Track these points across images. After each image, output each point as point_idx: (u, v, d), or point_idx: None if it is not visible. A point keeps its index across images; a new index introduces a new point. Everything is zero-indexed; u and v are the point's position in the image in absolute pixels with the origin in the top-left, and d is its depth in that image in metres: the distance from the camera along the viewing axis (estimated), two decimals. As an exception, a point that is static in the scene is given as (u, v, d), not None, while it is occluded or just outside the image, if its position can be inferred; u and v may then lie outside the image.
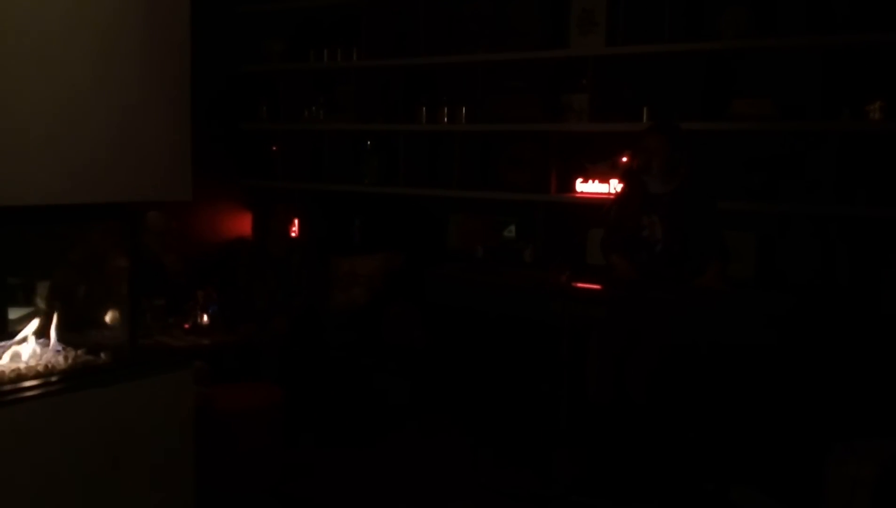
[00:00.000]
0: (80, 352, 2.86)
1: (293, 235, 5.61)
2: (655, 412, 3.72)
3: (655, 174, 3.92)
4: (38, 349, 2.82)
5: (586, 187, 4.91)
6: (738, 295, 3.92)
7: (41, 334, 2.88)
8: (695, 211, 3.87)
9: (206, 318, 4.44)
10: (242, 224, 6.14)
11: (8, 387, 2.55)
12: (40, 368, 2.71)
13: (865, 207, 4.13)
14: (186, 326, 4.37)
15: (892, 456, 3.15)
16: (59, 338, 2.89)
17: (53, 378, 2.68)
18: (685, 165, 3.98)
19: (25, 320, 2.91)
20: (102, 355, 2.87)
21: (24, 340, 2.82)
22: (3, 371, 2.62)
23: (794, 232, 4.44)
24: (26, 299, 3.02)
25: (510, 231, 5.35)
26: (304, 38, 5.94)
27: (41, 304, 3.01)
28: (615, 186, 4.72)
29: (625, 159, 4.74)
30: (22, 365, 2.69)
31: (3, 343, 2.79)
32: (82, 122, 2.59)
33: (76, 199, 2.61)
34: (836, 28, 4.15)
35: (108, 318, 2.99)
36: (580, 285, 3.88)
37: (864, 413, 3.71)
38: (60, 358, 2.79)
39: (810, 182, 4.31)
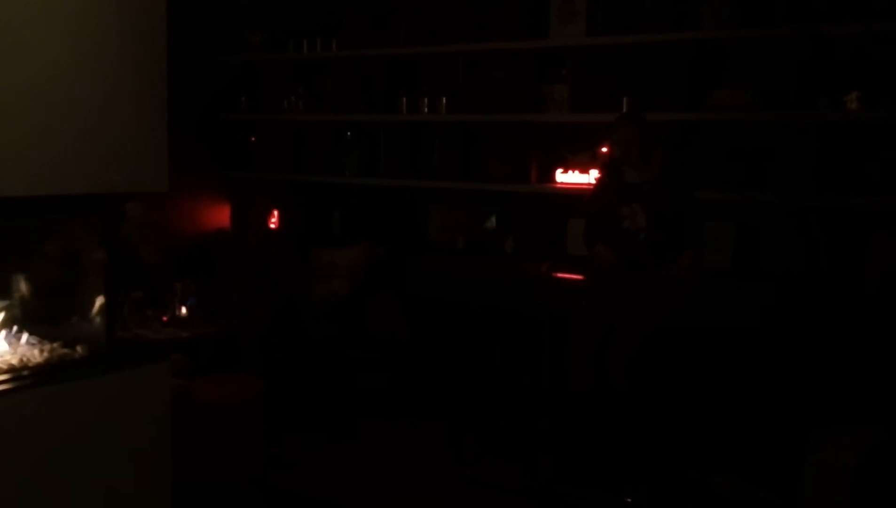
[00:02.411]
0: (56, 345, 2.82)
1: (272, 226, 5.58)
2: (636, 401, 3.74)
3: (634, 163, 3.93)
4: (13, 343, 2.78)
5: (566, 178, 4.91)
6: (717, 284, 3.93)
7: (16, 327, 2.84)
8: (677, 200, 3.89)
9: (184, 310, 4.40)
10: (221, 215, 6.10)
11: (-18, 381, 2.52)
12: (15, 361, 2.67)
13: (844, 196, 4.15)
14: (165, 318, 4.33)
15: (870, 444, 3.17)
16: (35, 331, 2.85)
17: (28, 372, 2.64)
18: (658, 152, 4.00)
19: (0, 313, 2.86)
20: (79, 348, 2.83)
21: (-1, 333, 2.79)
22: (-23, 365, 2.58)
23: (774, 222, 4.46)
24: (1, 292, 2.97)
25: (491, 222, 5.35)
26: (283, 28, 5.89)
27: (17, 297, 2.96)
28: (596, 176, 4.72)
29: (605, 150, 4.74)
30: (-4, 359, 2.66)
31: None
32: (54, 112, 2.55)
33: (49, 190, 2.56)
34: (815, 19, 4.16)
35: (84, 311, 2.95)
36: (561, 275, 3.88)
37: (843, 401, 3.74)
38: (36, 352, 2.76)
39: (790, 172, 4.34)
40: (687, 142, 4.62)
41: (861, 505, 3.08)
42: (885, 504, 3.08)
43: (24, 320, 2.87)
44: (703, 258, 3.93)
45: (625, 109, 4.55)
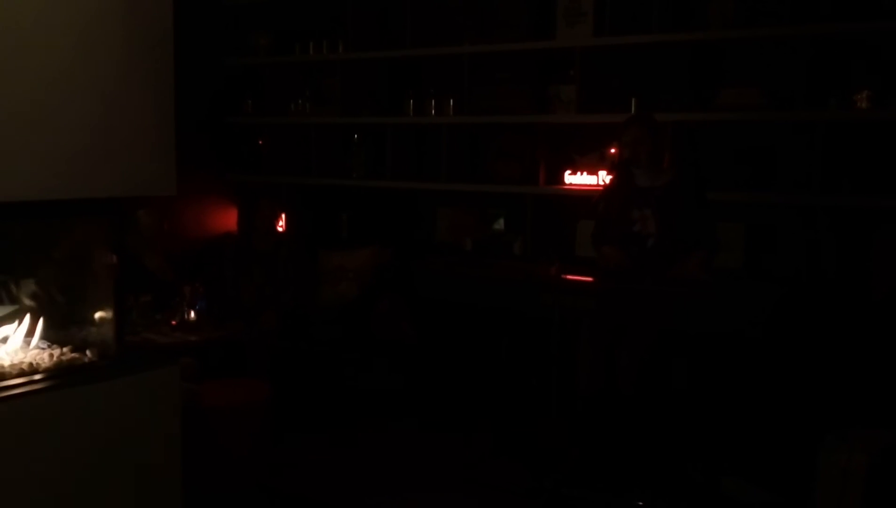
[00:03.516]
0: (65, 350, 2.83)
1: (280, 229, 5.58)
2: (645, 403, 3.72)
3: (644, 165, 3.91)
4: (22, 347, 2.79)
5: (575, 179, 4.90)
6: (727, 285, 3.91)
7: (26, 332, 2.84)
8: (689, 205, 3.86)
9: (192, 314, 4.40)
10: (228, 219, 6.10)
11: (-8, 386, 2.52)
12: (25, 366, 2.67)
13: (853, 196, 4.13)
14: (173, 322, 4.33)
15: (883, 446, 3.16)
16: (44, 336, 2.85)
17: (38, 376, 2.64)
18: (668, 154, 3.99)
19: (9, 318, 2.86)
20: (88, 352, 2.83)
21: (8, 338, 2.78)
22: (-14, 370, 2.59)
23: (783, 222, 4.44)
24: (10, 297, 2.97)
25: (499, 224, 5.34)
26: (289, 31, 5.90)
27: (25, 302, 2.96)
28: (605, 177, 4.71)
29: (614, 151, 4.73)
30: (6, 363, 2.66)
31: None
32: (61, 116, 2.54)
33: (57, 195, 2.56)
34: (823, 17, 4.15)
35: (93, 315, 2.95)
36: (570, 277, 3.87)
37: (855, 403, 3.71)
38: (45, 356, 2.76)
39: (798, 172, 4.32)
40: (695, 142, 4.60)
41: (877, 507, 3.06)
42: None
43: (33, 324, 2.86)
44: (716, 260, 3.90)
45: (633, 110, 4.53)
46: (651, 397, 3.72)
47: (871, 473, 3.09)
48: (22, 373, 2.63)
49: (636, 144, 3.90)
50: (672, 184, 3.90)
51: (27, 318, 2.85)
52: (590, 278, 3.87)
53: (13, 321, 2.84)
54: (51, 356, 2.77)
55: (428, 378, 4.91)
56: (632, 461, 3.73)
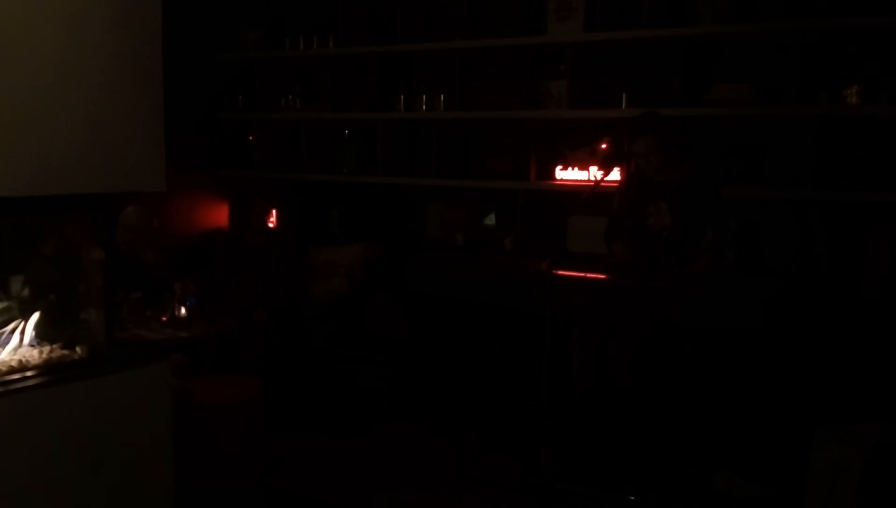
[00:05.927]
0: (55, 346, 2.82)
1: (271, 226, 5.56)
2: (638, 399, 3.73)
3: (657, 168, 3.88)
4: (12, 344, 2.77)
5: (566, 174, 4.91)
6: (720, 280, 3.92)
7: (15, 328, 2.82)
8: (704, 199, 3.84)
9: (183, 310, 4.38)
10: (219, 215, 6.08)
11: (-19, 383, 2.50)
12: (14, 363, 2.66)
13: (844, 191, 4.15)
14: (164, 318, 4.31)
15: (874, 441, 3.16)
16: (34, 332, 2.84)
17: (28, 373, 2.63)
18: (679, 149, 3.97)
19: (-1, 315, 2.85)
20: (78, 349, 2.82)
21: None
22: (-25, 367, 2.57)
23: (774, 217, 4.45)
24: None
25: (490, 219, 5.33)
26: (280, 26, 5.88)
27: (14, 298, 2.94)
28: (595, 172, 4.71)
29: (604, 146, 4.74)
30: (-5, 361, 2.64)
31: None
32: (50, 112, 2.53)
33: (45, 190, 2.55)
34: (814, 12, 4.15)
35: (83, 311, 2.93)
36: (561, 272, 3.86)
37: (846, 398, 3.73)
38: (35, 353, 2.75)
39: (789, 167, 4.33)
40: (692, 137, 4.60)
41: (871, 503, 3.07)
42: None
43: (22, 321, 2.85)
44: (727, 256, 3.90)
45: (625, 106, 4.53)
46: (644, 392, 3.73)
47: (866, 469, 3.10)
48: (12, 370, 2.62)
49: (648, 154, 3.85)
50: (689, 178, 3.89)
51: (14, 315, 2.83)
52: (581, 274, 3.87)
53: (2, 318, 2.82)
54: (40, 352, 2.76)
55: (420, 374, 4.91)
56: (625, 456, 3.74)
